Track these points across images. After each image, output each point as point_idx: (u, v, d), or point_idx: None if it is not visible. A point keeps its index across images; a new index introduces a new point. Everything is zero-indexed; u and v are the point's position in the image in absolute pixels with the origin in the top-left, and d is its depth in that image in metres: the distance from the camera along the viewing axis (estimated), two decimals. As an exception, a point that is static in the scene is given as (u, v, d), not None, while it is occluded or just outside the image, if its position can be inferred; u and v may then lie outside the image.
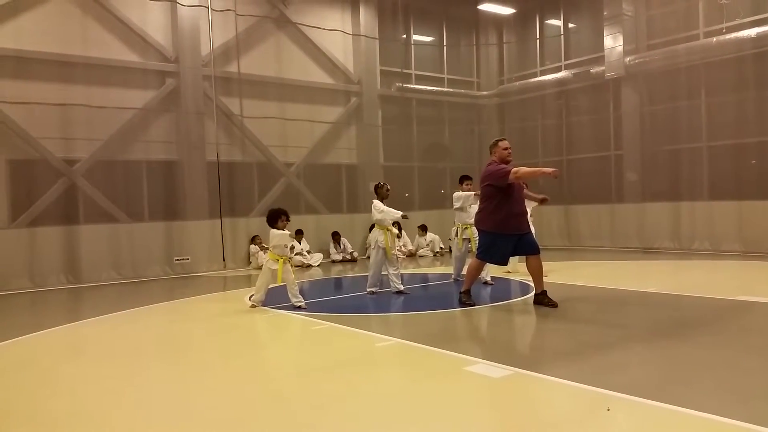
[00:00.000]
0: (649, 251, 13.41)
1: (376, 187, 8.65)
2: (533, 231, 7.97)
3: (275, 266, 7.57)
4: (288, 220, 7.78)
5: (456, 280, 9.63)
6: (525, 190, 7.44)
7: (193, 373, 4.93)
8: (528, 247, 7.15)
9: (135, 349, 5.94)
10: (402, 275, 8.80)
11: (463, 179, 9.37)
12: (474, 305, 7.27)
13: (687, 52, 12.98)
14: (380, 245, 8.38)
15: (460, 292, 7.50)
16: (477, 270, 7.51)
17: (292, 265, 7.84)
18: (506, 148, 7.13)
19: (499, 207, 6.99)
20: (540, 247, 7.34)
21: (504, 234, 7.05)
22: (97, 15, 11.75)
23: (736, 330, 5.75)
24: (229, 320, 7.23)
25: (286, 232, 7.65)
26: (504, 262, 7.41)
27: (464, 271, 9.84)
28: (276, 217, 7.70)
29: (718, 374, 4.30)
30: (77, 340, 6.55)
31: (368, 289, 8.61)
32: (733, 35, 12.26)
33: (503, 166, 6.97)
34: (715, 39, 12.56)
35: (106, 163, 11.81)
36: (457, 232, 9.49)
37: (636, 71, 14.02)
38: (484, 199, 7.17)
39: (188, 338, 6.46)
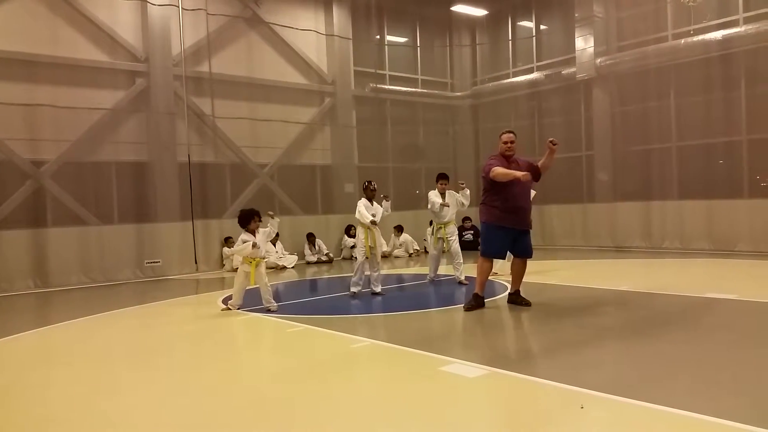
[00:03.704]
0: (621, 250, 13.60)
1: (363, 186, 8.66)
2: None
3: (249, 269, 7.49)
4: (260, 220, 7.69)
5: (432, 281, 9.62)
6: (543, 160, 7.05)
7: (168, 378, 4.84)
8: (520, 250, 7.10)
9: (107, 354, 5.82)
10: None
11: (439, 178, 9.30)
12: (473, 308, 6.96)
13: (656, 54, 13.20)
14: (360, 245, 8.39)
15: (474, 294, 7.10)
16: (484, 269, 7.11)
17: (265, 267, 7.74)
18: (506, 142, 7.00)
19: (493, 199, 6.92)
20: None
21: (499, 226, 6.92)
22: (65, 13, 11.51)
23: (706, 327, 5.84)
24: (202, 324, 7.13)
25: (248, 244, 7.44)
26: (501, 255, 7.35)
27: (440, 271, 9.90)
28: (249, 219, 7.58)
29: (689, 371, 4.36)
30: (46, 346, 6.39)
31: (352, 290, 8.46)
32: (700, 37, 12.49)
33: (491, 162, 6.89)
34: (683, 41, 12.79)
35: (75, 165, 11.57)
36: (432, 231, 9.49)
37: (607, 72, 14.21)
38: (483, 190, 7.09)
39: (161, 343, 6.34)
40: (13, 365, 5.56)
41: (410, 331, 6.22)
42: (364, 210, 8.35)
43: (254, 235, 7.56)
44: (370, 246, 8.33)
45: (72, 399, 4.37)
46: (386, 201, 8.60)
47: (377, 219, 8.39)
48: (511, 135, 7.06)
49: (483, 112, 17.36)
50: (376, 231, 8.43)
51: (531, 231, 7.19)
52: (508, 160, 6.97)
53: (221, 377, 4.81)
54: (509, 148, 6.99)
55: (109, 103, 11.92)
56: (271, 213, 7.98)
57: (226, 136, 13.43)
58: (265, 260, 7.78)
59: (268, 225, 7.82)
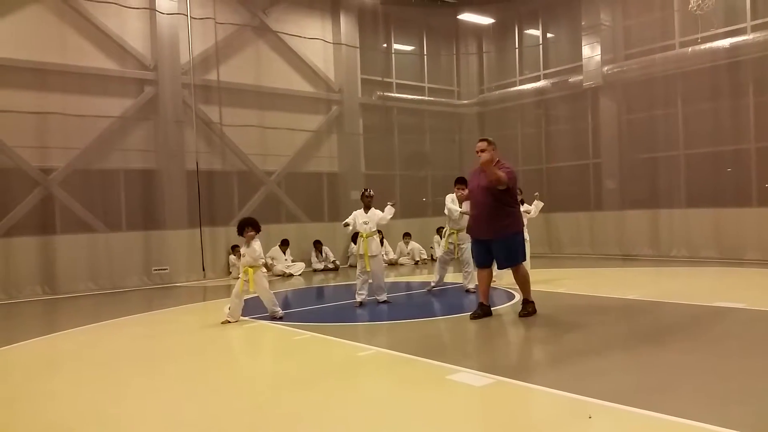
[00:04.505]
0: (628, 258, 13.54)
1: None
2: (526, 238, 8.04)
3: (245, 277, 7.41)
4: (253, 230, 7.48)
5: (432, 290, 9.36)
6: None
7: (174, 386, 4.85)
8: (498, 260, 7.02)
9: (114, 361, 5.84)
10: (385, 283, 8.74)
11: (456, 182, 8.94)
12: (479, 317, 6.92)
13: (663, 62, 13.18)
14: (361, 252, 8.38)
15: (479, 302, 7.10)
16: (479, 278, 7.17)
17: (269, 274, 7.68)
18: (476, 151, 6.85)
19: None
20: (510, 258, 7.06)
21: (473, 238, 7.17)
22: (74, 22, 11.61)
23: (714, 336, 5.80)
24: (209, 331, 7.13)
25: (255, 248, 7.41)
26: (480, 264, 7.15)
27: (448, 279, 9.84)
28: (240, 229, 7.53)
29: (697, 380, 4.33)
30: (54, 353, 6.41)
31: (356, 299, 8.40)
32: (707, 45, 12.48)
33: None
34: (690, 49, 12.77)
35: (84, 172, 11.64)
36: (444, 234, 9.40)
37: (613, 80, 14.19)
38: None
39: (168, 350, 6.36)
40: (21, 372, 5.58)
41: (417, 340, 6.21)
42: (350, 217, 8.43)
43: (246, 245, 7.48)
44: (360, 254, 8.33)
45: (79, 405, 4.39)
46: (389, 206, 8.45)
47: (371, 226, 8.31)
48: (481, 144, 6.83)
49: (490, 120, 17.35)
50: (372, 239, 8.34)
51: (523, 239, 7.15)
52: (482, 168, 6.78)
53: (227, 384, 4.81)
54: (479, 156, 6.81)
55: (117, 110, 12.00)
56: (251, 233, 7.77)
57: (233, 144, 13.49)
58: (261, 268, 7.61)
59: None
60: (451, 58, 17.96)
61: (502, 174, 6.60)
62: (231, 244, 12.98)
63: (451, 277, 10.20)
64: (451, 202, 9.09)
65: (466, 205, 9.02)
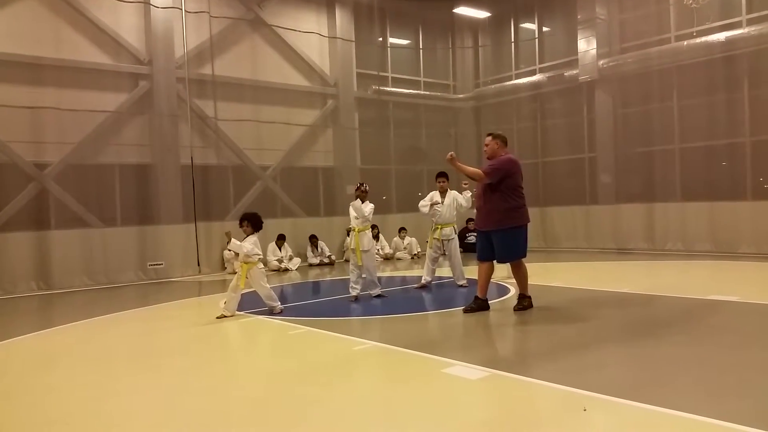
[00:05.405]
0: (623, 252, 13.57)
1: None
2: None
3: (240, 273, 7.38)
4: (252, 227, 7.50)
5: (425, 285, 9.24)
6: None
7: (169, 380, 4.85)
8: (496, 253, 6.91)
9: (109, 356, 5.82)
10: (380, 278, 8.73)
11: (437, 176, 9.24)
12: (473, 311, 6.91)
13: (659, 56, 13.18)
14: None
15: (475, 296, 7.04)
16: (479, 271, 7.04)
17: (266, 270, 7.67)
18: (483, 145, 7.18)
19: None
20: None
21: (476, 228, 7.19)
22: (68, 16, 11.54)
23: (709, 329, 5.83)
24: (205, 326, 7.12)
25: (236, 243, 7.32)
26: (480, 257, 7.03)
27: (443, 273, 9.83)
28: (241, 222, 7.60)
29: (692, 373, 4.35)
30: (49, 348, 6.39)
31: (351, 293, 8.41)
32: (703, 39, 12.47)
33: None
34: (686, 42, 12.77)
35: (78, 167, 11.59)
36: (431, 230, 9.35)
37: (609, 74, 14.19)
38: None
39: (164, 345, 6.35)
40: (16, 368, 5.57)
41: (412, 334, 6.22)
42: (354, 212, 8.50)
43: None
44: (352, 249, 8.34)
45: (74, 401, 4.38)
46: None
47: (361, 220, 8.28)
48: (486, 138, 7.11)
49: (485, 114, 17.35)
50: (363, 233, 8.29)
51: (515, 233, 6.81)
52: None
53: (223, 379, 4.81)
54: (485, 152, 7.09)
55: (112, 105, 11.94)
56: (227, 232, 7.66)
57: (228, 139, 13.45)
58: (258, 265, 7.58)
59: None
60: (447, 52, 17.93)
61: (467, 170, 6.90)
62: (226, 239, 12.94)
63: (447, 271, 10.21)
64: (429, 198, 9.13)
65: (448, 197, 9.08)
